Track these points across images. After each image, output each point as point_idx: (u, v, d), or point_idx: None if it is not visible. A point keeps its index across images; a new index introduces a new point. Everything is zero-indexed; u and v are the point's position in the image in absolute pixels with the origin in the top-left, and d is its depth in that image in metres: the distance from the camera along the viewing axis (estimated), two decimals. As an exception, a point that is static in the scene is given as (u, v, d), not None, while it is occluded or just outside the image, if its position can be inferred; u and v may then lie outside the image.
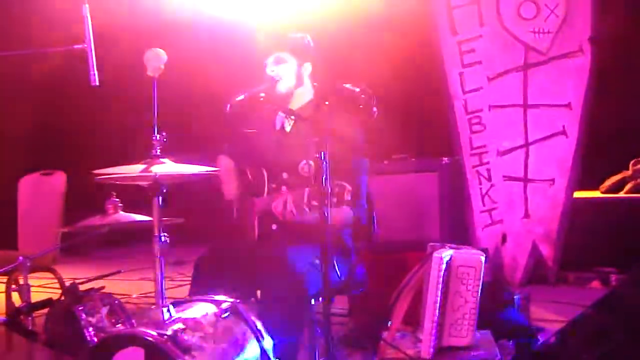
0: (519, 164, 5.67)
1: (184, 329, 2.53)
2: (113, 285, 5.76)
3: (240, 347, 2.69)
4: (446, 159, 5.06)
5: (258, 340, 2.75)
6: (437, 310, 3.13)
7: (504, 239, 5.66)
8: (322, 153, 2.80)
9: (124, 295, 5.43)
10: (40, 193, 5.05)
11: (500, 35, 5.68)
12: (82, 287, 3.00)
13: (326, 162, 2.78)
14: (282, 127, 3.58)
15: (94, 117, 9.00)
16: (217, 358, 2.56)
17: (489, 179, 5.71)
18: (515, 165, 5.68)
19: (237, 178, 3.57)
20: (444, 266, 3.13)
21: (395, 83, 6.36)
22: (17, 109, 9.09)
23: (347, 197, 2.80)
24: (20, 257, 3.10)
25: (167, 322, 2.58)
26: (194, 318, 2.60)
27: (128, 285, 6.63)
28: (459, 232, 5.18)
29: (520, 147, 5.67)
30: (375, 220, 3.82)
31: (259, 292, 3.28)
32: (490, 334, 3.44)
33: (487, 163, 5.73)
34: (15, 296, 3.47)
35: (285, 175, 3.40)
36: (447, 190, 4.88)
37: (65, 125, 9.50)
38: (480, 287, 3.23)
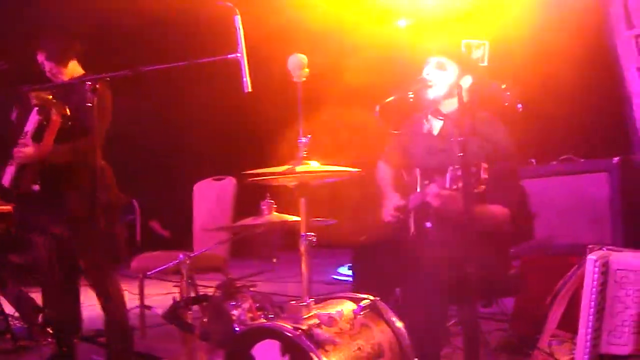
0: None
1: (319, 324, 2.59)
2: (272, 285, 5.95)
3: (377, 344, 2.70)
4: (617, 158, 4.77)
5: (396, 338, 2.75)
6: (592, 316, 2.98)
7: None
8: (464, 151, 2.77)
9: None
10: (213, 197, 5.34)
11: (682, 26, 5.29)
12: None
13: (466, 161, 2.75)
14: (430, 131, 3.55)
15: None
16: (352, 353, 2.59)
17: (672, 180, 5.29)
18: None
19: (394, 184, 3.61)
20: (598, 269, 2.98)
21: (562, 83, 6.10)
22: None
23: (484, 175, 2.74)
24: (181, 255, 3.29)
25: (304, 316, 2.65)
26: (330, 314, 2.65)
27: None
28: (637, 236, 4.84)
29: None
30: (533, 221, 3.71)
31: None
32: None
33: (670, 164, 5.31)
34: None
35: (436, 177, 3.37)
36: (619, 192, 4.59)
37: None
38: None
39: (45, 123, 3.72)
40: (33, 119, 3.75)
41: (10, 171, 3.85)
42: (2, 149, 4.03)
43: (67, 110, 3.77)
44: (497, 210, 3.25)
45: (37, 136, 3.74)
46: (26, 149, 3.76)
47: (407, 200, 3.46)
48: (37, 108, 3.70)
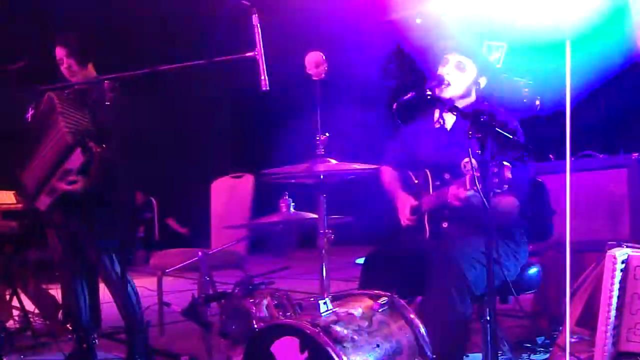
0: None
1: (337, 321, 2.60)
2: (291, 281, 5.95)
3: (395, 341, 2.71)
4: (636, 154, 4.74)
5: (415, 336, 2.75)
6: (611, 313, 2.97)
7: None
8: (482, 149, 2.77)
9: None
10: (231, 194, 5.34)
11: None
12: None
13: (484, 158, 2.75)
14: (443, 126, 3.54)
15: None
16: (370, 350, 2.60)
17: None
18: None
19: (402, 186, 3.59)
20: (618, 266, 2.97)
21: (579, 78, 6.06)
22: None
23: (508, 174, 2.72)
24: (199, 252, 3.32)
25: (322, 314, 2.66)
26: (349, 311, 2.66)
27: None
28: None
29: None
30: (552, 218, 3.70)
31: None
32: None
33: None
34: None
35: (447, 175, 3.36)
36: (638, 188, 4.55)
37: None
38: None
39: (90, 159, 3.75)
40: (77, 158, 3.76)
41: (46, 200, 3.91)
42: (15, 148, 4.09)
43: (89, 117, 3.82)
44: (503, 200, 3.21)
45: (84, 171, 3.79)
46: (76, 186, 3.80)
47: (420, 202, 3.46)
48: (80, 148, 3.73)
